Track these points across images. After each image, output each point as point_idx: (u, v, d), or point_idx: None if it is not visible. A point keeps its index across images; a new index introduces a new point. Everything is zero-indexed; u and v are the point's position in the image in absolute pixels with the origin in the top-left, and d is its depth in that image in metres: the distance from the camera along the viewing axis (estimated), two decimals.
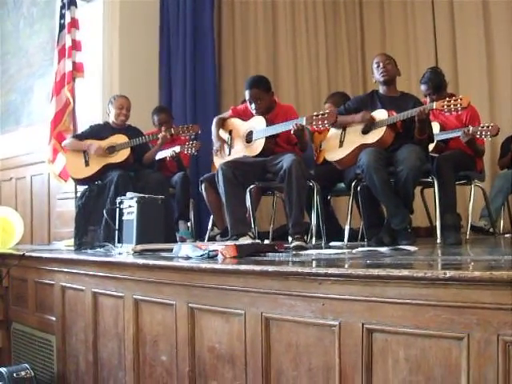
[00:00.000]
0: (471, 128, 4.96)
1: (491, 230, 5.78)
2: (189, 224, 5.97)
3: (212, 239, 5.37)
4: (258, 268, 2.79)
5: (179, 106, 6.84)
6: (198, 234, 6.01)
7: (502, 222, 6.27)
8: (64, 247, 5.48)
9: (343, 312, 2.45)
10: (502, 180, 6.45)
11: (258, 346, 2.78)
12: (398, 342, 2.28)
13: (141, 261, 3.53)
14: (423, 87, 5.38)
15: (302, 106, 7.57)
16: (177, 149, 5.65)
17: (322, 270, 2.53)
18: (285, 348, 2.68)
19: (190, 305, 3.16)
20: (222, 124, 5.04)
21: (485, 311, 2.07)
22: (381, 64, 4.65)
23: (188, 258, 3.50)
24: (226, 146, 4.96)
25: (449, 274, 2.13)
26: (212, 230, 5.58)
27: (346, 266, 2.75)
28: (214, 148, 4.99)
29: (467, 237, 5.10)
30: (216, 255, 3.37)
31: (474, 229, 5.66)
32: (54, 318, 4.51)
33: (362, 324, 2.38)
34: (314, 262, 3.04)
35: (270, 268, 2.75)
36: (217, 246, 3.47)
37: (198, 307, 3.13)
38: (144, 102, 6.37)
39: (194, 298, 3.15)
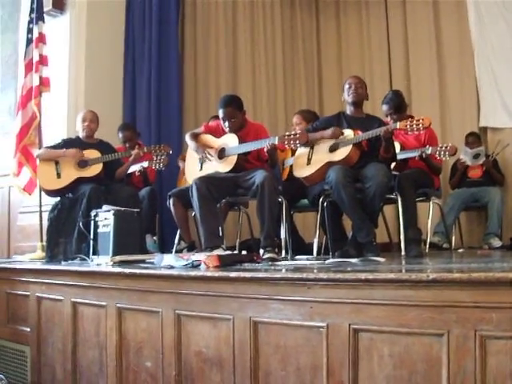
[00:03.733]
0: (431, 148, 5.24)
1: (444, 245, 6.08)
2: (155, 238, 6.09)
3: (179, 253, 5.50)
4: (248, 275, 2.99)
5: (143, 121, 6.94)
6: (163, 248, 6.13)
7: (453, 238, 6.60)
8: (29, 260, 5.52)
9: (331, 314, 2.66)
10: (453, 199, 6.82)
11: (246, 349, 2.96)
12: (383, 340, 2.50)
13: (127, 270, 3.67)
14: (385, 107, 5.64)
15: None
16: (145, 164, 5.79)
17: (311, 275, 2.74)
18: (273, 350, 2.87)
19: (176, 311, 3.32)
20: (196, 138, 5.17)
21: (463, 309, 2.31)
22: (353, 86, 4.89)
23: (171, 267, 3.65)
24: (199, 161, 5.11)
25: (431, 276, 2.37)
26: (179, 243, 5.71)
27: (333, 271, 2.95)
28: (199, 157, 5.10)
29: (426, 250, 5.39)
30: (199, 265, 3.54)
31: (429, 244, 5.94)
32: (28, 329, 4.58)
33: (349, 325, 2.60)
34: (299, 269, 3.23)
35: (261, 274, 2.95)
36: (199, 256, 3.65)
37: (185, 314, 3.29)
38: (108, 116, 6.42)
39: (182, 305, 3.31)
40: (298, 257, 4.83)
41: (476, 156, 6.90)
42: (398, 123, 4.57)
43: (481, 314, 2.28)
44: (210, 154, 5.03)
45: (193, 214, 5.28)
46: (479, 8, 7.76)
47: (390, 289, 2.48)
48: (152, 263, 4.02)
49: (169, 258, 3.78)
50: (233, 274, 3.05)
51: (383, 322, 2.50)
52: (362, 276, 2.54)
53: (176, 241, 5.69)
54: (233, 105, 4.97)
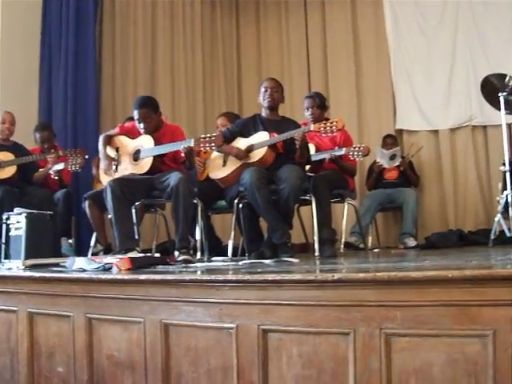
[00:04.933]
0: (344, 149, 5.33)
1: (361, 245, 6.19)
2: (70, 241, 5.99)
3: (95, 256, 5.43)
4: (158, 277, 2.97)
5: (59, 122, 6.81)
6: (80, 251, 6.03)
7: (370, 238, 6.74)
8: None
9: (240, 315, 2.67)
10: (369, 199, 6.96)
11: (158, 351, 2.93)
12: (292, 340, 2.52)
13: (37, 274, 3.59)
14: (308, 101, 5.71)
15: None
16: (60, 166, 5.69)
17: (220, 277, 2.74)
18: (184, 352, 2.86)
19: (87, 315, 3.25)
20: (109, 141, 5.10)
21: (369, 308, 2.36)
22: (269, 90, 4.92)
23: (83, 270, 3.60)
24: (113, 164, 5.05)
25: (337, 276, 2.41)
26: (95, 246, 5.63)
27: (242, 273, 2.96)
28: (102, 166, 5.05)
29: (341, 251, 5.47)
30: (111, 267, 3.50)
31: (346, 245, 6.04)
32: None
33: (258, 325, 2.61)
34: (209, 271, 3.23)
35: (170, 276, 2.94)
36: (111, 258, 3.61)
37: (96, 317, 3.23)
38: (24, 117, 6.29)
39: (93, 309, 3.25)
40: (214, 258, 4.85)
41: (392, 157, 7.04)
42: (312, 125, 4.65)
43: (385, 312, 2.32)
44: (115, 163, 5.00)
45: (109, 216, 5.21)
46: (396, 14, 7.99)
47: (297, 289, 2.50)
48: (64, 267, 3.95)
49: (81, 262, 3.72)
50: (143, 277, 3.02)
51: (291, 322, 2.52)
52: (270, 277, 2.56)
53: (92, 244, 5.61)
54: (148, 106, 4.92)
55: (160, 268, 3.62)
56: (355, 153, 5.26)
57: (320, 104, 5.61)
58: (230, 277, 2.72)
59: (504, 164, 5.30)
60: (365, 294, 2.36)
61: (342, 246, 5.71)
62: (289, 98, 7.53)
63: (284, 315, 2.54)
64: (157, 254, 4.39)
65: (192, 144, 4.63)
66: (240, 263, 3.89)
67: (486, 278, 2.20)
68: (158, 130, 4.96)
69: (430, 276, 2.26)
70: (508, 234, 5.14)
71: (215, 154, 5.04)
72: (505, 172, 5.26)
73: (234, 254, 5.07)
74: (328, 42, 8.38)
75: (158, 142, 4.84)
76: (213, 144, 4.61)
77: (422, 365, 2.29)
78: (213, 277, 2.77)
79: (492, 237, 5.27)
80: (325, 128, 4.53)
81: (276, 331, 2.57)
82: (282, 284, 2.53)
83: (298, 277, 2.50)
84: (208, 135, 4.69)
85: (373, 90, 8.09)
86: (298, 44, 8.56)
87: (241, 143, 4.87)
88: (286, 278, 2.53)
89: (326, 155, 5.38)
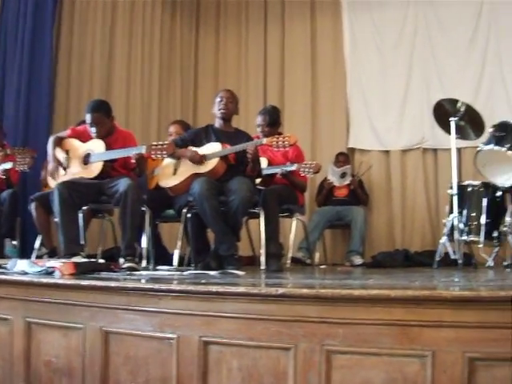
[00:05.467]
0: (295, 165, 5.34)
1: (308, 261, 6.20)
2: (14, 242, 5.88)
3: (39, 259, 5.34)
4: (100, 283, 2.93)
5: (10, 121, 6.67)
6: (23, 253, 5.92)
7: (317, 254, 6.77)
8: None
9: (181, 326, 2.65)
10: (318, 216, 6.99)
11: (97, 359, 2.90)
12: (232, 353, 2.51)
13: None
14: (260, 118, 5.69)
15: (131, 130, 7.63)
16: (8, 165, 5.58)
17: (163, 286, 2.72)
18: (123, 360, 2.82)
19: (27, 319, 3.20)
20: (59, 143, 5.01)
21: (311, 324, 2.36)
22: (224, 100, 4.91)
23: (24, 273, 3.53)
24: (60, 168, 4.96)
25: (280, 290, 2.41)
26: (40, 249, 5.53)
27: (185, 283, 2.94)
28: (49, 169, 4.96)
29: (287, 265, 5.48)
30: (53, 272, 3.44)
31: (293, 260, 6.05)
32: None
33: (199, 337, 2.59)
34: (153, 280, 3.20)
35: (113, 283, 2.90)
36: (54, 262, 3.55)
37: (35, 322, 3.17)
38: None
39: (32, 313, 3.19)
40: (159, 267, 4.80)
41: (343, 175, 7.09)
42: (265, 139, 4.66)
43: (327, 329, 2.33)
44: (64, 166, 4.92)
45: (55, 219, 5.13)
46: (354, 33, 8.08)
47: (240, 302, 2.49)
48: (6, 268, 3.86)
49: (23, 264, 3.65)
50: (84, 283, 2.98)
51: (233, 334, 2.51)
52: (213, 289, 2.55)
53: (36, 246, 5.50)
54: (100, 111, 4.87)
55: (104, 274, 3.58)
56: (306, 169, 5.28)
57: (270, 122, 5.60)
58: (173, 287, 2.70)
59: (451, 187, 5.37)
60: (307, 309, 2.37)
61: (289, 260, 5.71)
62: (244, 110, 7.54)
63: (226, 328, 2.53)
64: (101, 260, 4.33)
65: (143, 151, 4.60)
66: (185, 273, 3.86)
67: (428, 299, 2.22)
68: (110, 135, 4.90)
69: (373, 295, 2.28)
70: (452, 257, 5.19)
71: (166, 162, 5.00)
72: (452, 195, 5.33)
73: (181, 263, 5.02)
74: (286, 56, 8.42)
75: (109, 147, 4.79)
76: (164, 152, 4.60)
77: (361, 382, 2.30)
78: (155, 286, 2.75)
79: (437, 258, 5.32)
80: (277, 142, 4.54)
81: (217, 343, 2.56)
82: (225, 296, 2.52)
83: (241, 290, 2.50)
84: (160, 143, 4.67)
85: (328, 107, 8.14)
86: (256, 56, 8.58)
87: None
88: (229, 291, 2.52)
89: (277, 170, 5.38)
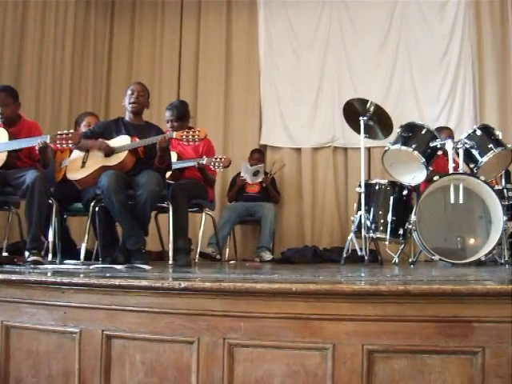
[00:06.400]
0: (206, 158, 5.34)
1: (218, 256, 6.21)
2: None
3: None
4: (1, 276, 2.84)
5: None
6: None
7: (227, 249, 6.78)
8: None
9: (84, 320, 2.60)
10: (229, 211, 7.00)
11: None
12: (135, 347, 2.49)
13: None
14: (168, 113, 5.67)
15: (42, 122, 7.42)
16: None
17: (65, 279, 2.66)
18: (25, 356, 2.75)
19: None
20: None
21: (213, 318, 2.36)
22: (135, 93, 4.87)
23: None
24: None
25: (183, 284, 2.40)
26: None
27: (89, 276, 2.89)
28: None
29: (196, 260, 5.47)
30: None
31: (203, 255, 6.05)
32: None
33: (102, 331, 2.55)
34: (56, 273, 3.14)
35: (14, 276, 2.82)
36: None
37: None
38: None
39: None
40: (66, 261, 4.71)
41: (256, 173, 7.11)
42: (175, 133, 4.62)
43: (230, 322, 2.34)
44: None
45: None
46: (269, 31, 8.14)
47: (143, 296, 2.47)
48: None
49: None
50: None
51: (136, 328, 2.49)
52: (117, 282, 2.52)
53: None
54: (6, 91, 4.77)
55: (7, 268, 3.49)
56: (216, 163, 5.29)
57: (179, 116, 5.60)
58: (76, 280, 2.64)
59: (360, 186, 5.47)
60: (210, 303, 2.37)
61: (198, 255, 5.70)
62: (157, 104, 7.53)
63: (129, 321, 2.51)
64: (5, 254, 4.21)
65: (48, 140, 4.49)
66: (91, 267, 3.80)
67: (328, 293, 2.26)
68: (14, 125, 4.78)
69: (275, 289, 2.30)
70: (359, 253, 5.29)
71: (75, 154, 4.91)
72: (360, 193, 5.43)
73: (89, 258, 4.95)
74: (201, 52, 8.38)
75: (13, 137, 4.66)
76: (70, 141, 4.50)
77: (263, 375, 2.32)
78: (58, 279, 2.69)
79: (344, 255, 5.41)
80: (187, 137, 4.52)
81: (120, 337, 2.53)
82: (128, 290, 2.49)
83: (144, 283, 2.47)
84: (65, 132, 4.57)
85: (241, 104, 8.17)
86: (170, 51, 8.49)
87: None
88: (132, 284, 2.49)
89: (187, 164, 5.37)
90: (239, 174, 7.23)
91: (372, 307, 2.25)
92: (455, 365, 2.22)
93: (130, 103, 4.87)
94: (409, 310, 2.23)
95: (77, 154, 4.89)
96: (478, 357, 2.20)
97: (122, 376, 2.53)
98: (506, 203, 5.31)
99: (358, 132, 5.53)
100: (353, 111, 5.61)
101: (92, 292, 2.58)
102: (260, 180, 7.18)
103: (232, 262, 6.19)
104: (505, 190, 5.57)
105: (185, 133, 4.55)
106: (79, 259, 4.76)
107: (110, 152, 4.67)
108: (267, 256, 6.67)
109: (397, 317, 2.24)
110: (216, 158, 5.34)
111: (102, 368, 2.55)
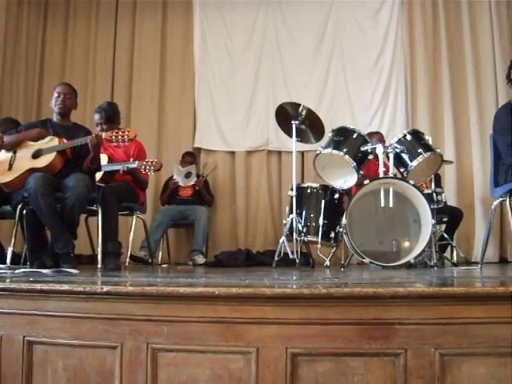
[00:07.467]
0: (137, 162, 5.29)
1: (150, 260, 6.16)
2: None
3: None
4: None
5: None
6: None
7: (160, 253, 6.74)
8: None
9: (5, 325, 2.54)
10: (162, 215, 6.96)
11: None
12: (57, 353, 2.44)
13: None
14: (97, 116, 5.62)
15: None
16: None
17: None
18: None
19: None
20: None
21: (136, 322, 2.34)
22: (61, 96, 4.81)
23: None
24: None
25: (106, 288, 2.37)
26: None
27: (9, 281, 2.82)
28: None
29: (126, 264, 5.41)
30: None
31: (135, 258, 6.00)
32: None
33: (24, 336, 2.49)
34: None
35: None
36: None
37: None
38: None
39: None
40: None
41: (188, 175, 7.09)
42: (104, 133, 4.56)
43: (153, 327, 2.32)
44: None
45: None
46: (204, 33, 8.17)
47: (65, 300, 2.43)
48: None
49: None
50: None
51: (58, 334, 2.44)
52: (38, 286, 2.47)
53: None
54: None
55: None
56: (147, 167, 5.24)
57: (107, 119, 5.56)
58: None
59: (292, 189, 5.50)
60: (133, 307, 2.34)
61: (128, 259, 5.65)
62: (91, 104, 7.45)
63: (51, 327, 2.46)
64: None
65: None
66: (16, 272, 3.72)
67: (251, 297, 2.26)
68: None
69: (198, 292, 2.29)
70: (291, 256, 5.31)
71: (1, 157, 4.80)
72: (292, 197, 5.46)
73: (18, 262, 4.85)
74: (135, 53, 8.31)
75: None
76: None
77: (187, 380, 2.31)
78: None
79: (276, 258, 5.43)
80: (116, 137, 4.46)
81: (42, 343, 2.48)
82: (50, 294, 2.45)
83: (66, 287, 2.43)
84: None
85: (175, 106, 8.14)
86: (104, 52, 8.39)
87: (29, 147, 4.67)
88: (53, 288, 2.44)
89: (118, 167, 5.31)
90: (172, 177, 7.20)
91: (295, 311, 2.27)
92: (378, 367, 2.25)
93: (56, 105, 4.81)
94: (332, 313, 2.25)
95: (3, 157, 4.77)
96: (400, 358, 2.23)
97: (43, 383, 2.48)
98: (436, 207, 5.41)
99: (290, 135, 5.57)
100: (285, 115, 5.64)
101: (12, 297, 2.52)
102: (192, 183, 7.17)
103: (165, 265, 6.16)
104: (434, 194, 5.69)
105: (114, 133, 4.49)
106: (6, 263, 4.67)
107: (45, 136, 4.60)
108: (200, 259, 6.65)
109: (320, 320, 2.26)
110: (147, 162, 5.29)
111: (24, 375, 2.49)
